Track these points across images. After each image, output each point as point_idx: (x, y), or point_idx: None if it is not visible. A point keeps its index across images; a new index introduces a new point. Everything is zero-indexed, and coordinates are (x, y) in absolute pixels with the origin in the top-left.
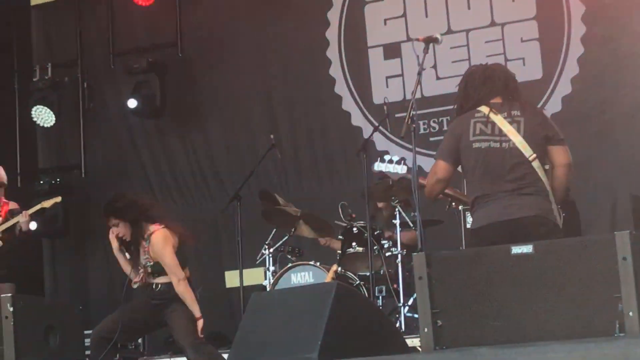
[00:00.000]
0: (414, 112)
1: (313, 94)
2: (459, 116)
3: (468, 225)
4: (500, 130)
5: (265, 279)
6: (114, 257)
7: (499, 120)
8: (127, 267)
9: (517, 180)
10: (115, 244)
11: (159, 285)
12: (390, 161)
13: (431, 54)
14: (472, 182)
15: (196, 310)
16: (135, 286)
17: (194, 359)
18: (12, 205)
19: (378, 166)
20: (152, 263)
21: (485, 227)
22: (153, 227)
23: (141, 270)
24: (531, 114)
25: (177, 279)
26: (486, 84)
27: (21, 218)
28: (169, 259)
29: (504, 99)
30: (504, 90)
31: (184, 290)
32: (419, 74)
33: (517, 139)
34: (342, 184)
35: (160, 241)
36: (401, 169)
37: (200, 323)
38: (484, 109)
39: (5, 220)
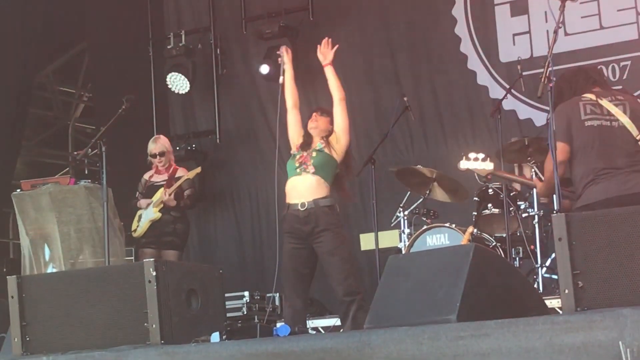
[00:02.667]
0: (551, 70)
1: (438, 54)
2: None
3: None
4: (609, 111)
5: (401, 241)
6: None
7: (605, 103)
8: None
9: (630, 157)
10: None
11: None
12: (476, 159)
13: None
14: (584, 160)
15: None
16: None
17: None
18: (182, 171)
19: (464, 164)
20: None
21: (602, 201)
22: None
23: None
24: (632, 98)
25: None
26: (585, 77)
27: (164, 197)
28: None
29: (603, 88)
30: (602, 81)
31: None
32: (556, 32)
33: (625, 119)
34: (468, 145)
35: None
36: (487, 165)
37: None
38: (589, 95)
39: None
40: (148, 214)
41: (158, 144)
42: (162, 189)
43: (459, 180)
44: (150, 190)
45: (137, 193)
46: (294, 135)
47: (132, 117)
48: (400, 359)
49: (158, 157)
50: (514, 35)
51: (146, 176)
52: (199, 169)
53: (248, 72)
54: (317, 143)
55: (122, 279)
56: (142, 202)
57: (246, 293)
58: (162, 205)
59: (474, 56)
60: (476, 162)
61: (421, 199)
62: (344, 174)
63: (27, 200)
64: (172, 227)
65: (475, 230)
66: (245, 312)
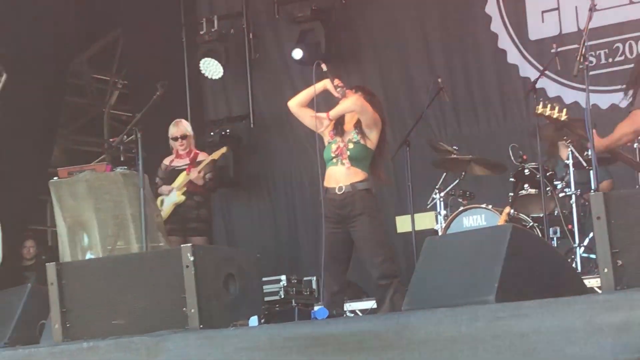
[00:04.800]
0: (586, 46)
1: (469, 33)
2: None
3: None
4: None
5: (437, 223)
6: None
7: None
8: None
9: None
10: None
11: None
12: (552, 107)
13: None
14: None
15: None
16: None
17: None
18: (203, 155)
19: (540, 110)
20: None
21: None
22: None
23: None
24: None
25: None
26: None
27: (193, 175)
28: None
29: None
30: None
31: None
32: (591, 10)
33: None
34: (499, 125)
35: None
36: (561, 116)
37: None
38: None
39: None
40: (171, 198)
41: (179, 127)
42: (184, 173)
43: (494, 159)
44: (171, 174)
45: (157, 179)
46: (314, 124)
47: (166, 103)
48: (438, 340)
49: (180, 140)
50: (543, 12)
51: (166, 161)
52: (224, 149)
53: (281, 56)
54: (353, 134)
55: (160, 265)
56: (164, 188)
57: (283, 277)
58: (185, 189)
59: (505, 35)
60: (552, 110)
61: (457, 181)
62: (380, 159)
63: (64, 188)
64: (195, 213)
65: (512, 210)
66: (282, 296)
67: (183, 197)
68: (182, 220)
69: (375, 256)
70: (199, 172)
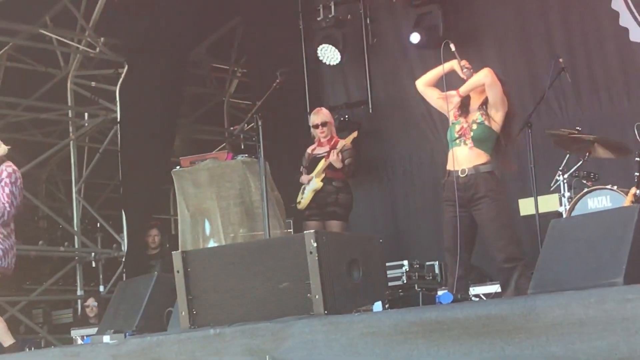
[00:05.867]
0: None
1: (589, 12)
2: None
3: None
4: None
5: (561, 205)
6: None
7: None
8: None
9: None
10: None
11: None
12: None
13: None
14: None
15: None
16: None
17: None
18: (344, 141)
19: None
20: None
21: None
22: None
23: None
24: None
25: None
26: None
27: (332, 157)
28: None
29: None
30: None
31: None
32: None
33: None
34: (622, 105)
35: None
36: None
37: None
38: None
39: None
40: (311, 185)
41: (320, 114)
42: (323, 160)
43: (618, 140)
44: (313, 162)
45: (302, 167)
46: (440, 104)
47: (285, 91)
48: (566, 323)
49: (320, 127)
50: None
51: (309, 150)
52: (355, 134)
53: (398, 40)
54: (477, 115)
55: (283, 251)
56: (303, 178)
57: (405, 262)
58: (324, 175)
59: (626, 13)
60: None
61: (580, 162)
62: (505, 142)
63: (186, 177)
64: (334, 197)
65: (638, 191)
66: (405, 281)
67: (321, 184)
68: (322, 204)
69: (500, 239)
70: (337, 155)
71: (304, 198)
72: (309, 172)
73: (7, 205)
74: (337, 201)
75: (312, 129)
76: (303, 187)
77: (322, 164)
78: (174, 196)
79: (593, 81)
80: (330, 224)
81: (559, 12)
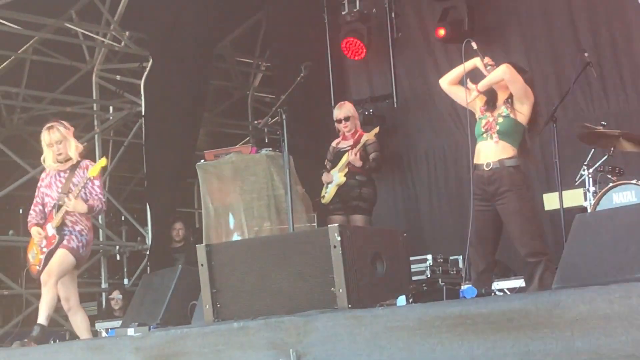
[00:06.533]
0: None
1: (615, 6)
2: None
3: None
4: None
5: (586, 200)
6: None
7: None
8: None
9: None
10: None
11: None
12: None
13: None
14: None
15: None
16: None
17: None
18: (367, 136)
19: None
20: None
21: None
22: None
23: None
24: None
25: None
26: None
27: (350, 157)
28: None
29: None
30: None
31: None
32: None
33: None
34: None
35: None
36: None
37: None
38: None
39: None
40: (334, 180)
41: (343, 109)
42: (346, 154)
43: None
44: (337, 156)
45: (326, 161)
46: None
47: (309, 84)
48: (591, 318)
49: (343, 121)
50: None
51: (334, 143)
52: (376, 129)
53: (423, 34)
54: (503, 108)
55: (307, 245)
56: (324, 177)
57: (429, 256)
58: (347, 170)
59: None
60: None
61: (605, 157)
62: (532, 135)
63: (210, 171)
64: (357, 192)
65: None
66: (429, 276)
67: (344, 179)
68: (345, 198)
69: (524, 233)
70: (355, 154)
71: (328, 192)
72: (334, 165)
73: (102, 197)
74: (361, 195)
75: (335, 123)
76: (327, 182)
77: (345, 158)
78: (198, 190)
79: (619, 76)
80: (354, 218)
81: (585, 5)
